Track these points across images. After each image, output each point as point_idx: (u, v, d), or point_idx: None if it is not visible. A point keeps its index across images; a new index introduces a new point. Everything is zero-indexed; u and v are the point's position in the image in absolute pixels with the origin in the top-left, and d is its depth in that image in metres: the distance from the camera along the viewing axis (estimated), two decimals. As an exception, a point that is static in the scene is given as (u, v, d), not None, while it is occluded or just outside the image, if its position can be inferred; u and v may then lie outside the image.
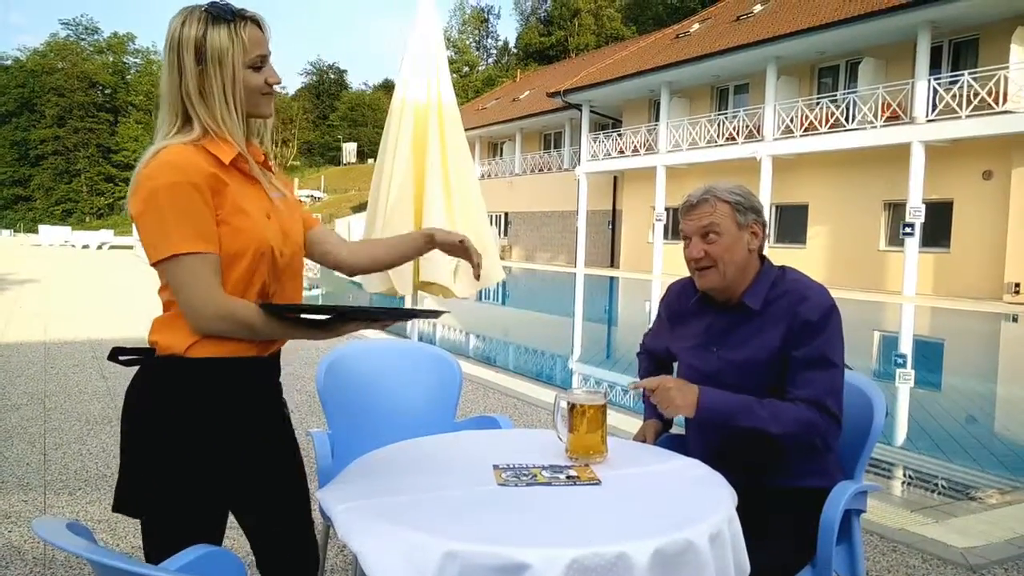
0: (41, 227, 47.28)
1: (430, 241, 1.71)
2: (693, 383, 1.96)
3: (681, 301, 2.14)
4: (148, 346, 1.49)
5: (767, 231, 1.99)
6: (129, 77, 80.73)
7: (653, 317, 2.39)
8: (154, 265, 1.42)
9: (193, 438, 1.44)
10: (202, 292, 1.39)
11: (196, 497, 1.46)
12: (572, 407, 1.72)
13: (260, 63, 1.50)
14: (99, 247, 40.47)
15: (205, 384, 1.45)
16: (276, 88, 1.58)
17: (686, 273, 2.08)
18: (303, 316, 1.47)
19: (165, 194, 1.37)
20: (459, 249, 1.68)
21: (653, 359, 2.35)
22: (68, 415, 5.02)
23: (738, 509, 1.48)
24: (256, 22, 1.50)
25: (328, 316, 1.47)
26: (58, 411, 5.12)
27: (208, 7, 1.46)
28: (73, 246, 41.35)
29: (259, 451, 1.55)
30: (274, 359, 1.59)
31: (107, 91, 78.84)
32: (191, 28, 1.43)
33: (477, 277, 1.67)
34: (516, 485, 1.53)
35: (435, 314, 1.71)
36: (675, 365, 2.23)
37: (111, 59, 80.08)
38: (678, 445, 2.02)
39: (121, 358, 1.47)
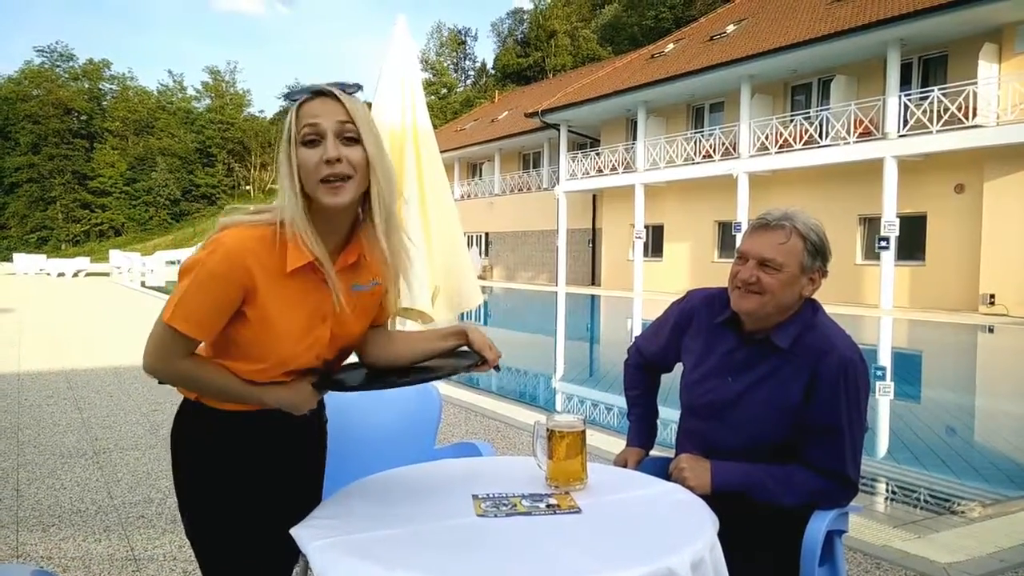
0: (15, 255, 46.66)
1: (463, 338, 1.63)
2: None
3: (705, 313, 2.02)
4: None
5: (821, 279, 1.88)
6: (105, 103, 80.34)
7: (636, 335, 2.35)
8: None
9: (216, 475, 1.53)
10: (162, 350, 1.42)
11: (226, 532, 1.53)
12: (551, 433, 1.70)
13: (313, 136, 1.38)
14: (75, 275, 39.97)
15: (218, 430, 1.53)
16: (343, 170, 1.38)
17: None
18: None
19: (203, 276, 1.37)
20: (486, 346, 1.59)
21: (641, 367, 2.26)
22: (42, 449, 4.92)
23: (720, 535, 1.46)
24: (328, 94, 1.41)
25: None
26: (31, 444, 5.02)
27: (290, 91, 1.45)
28: (48, 274, 40.81)
29: (277, 500, 1.58)
30: (284, 414, 1.54)
31: (83, 117, 78.35)
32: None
33: (496, 368, 1.60)
34: (496, 516, 1.50)
35: (473, 365, 1.58)
36: (666, 375, 2.18)
37: (86, 85, 79.66)
38: (660, 469, 2.00)
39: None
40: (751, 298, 1.83)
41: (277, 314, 1.43)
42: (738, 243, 1.94)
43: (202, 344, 1.46)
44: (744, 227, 21.05)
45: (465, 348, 1.64)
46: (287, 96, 1.44)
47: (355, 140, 1.40)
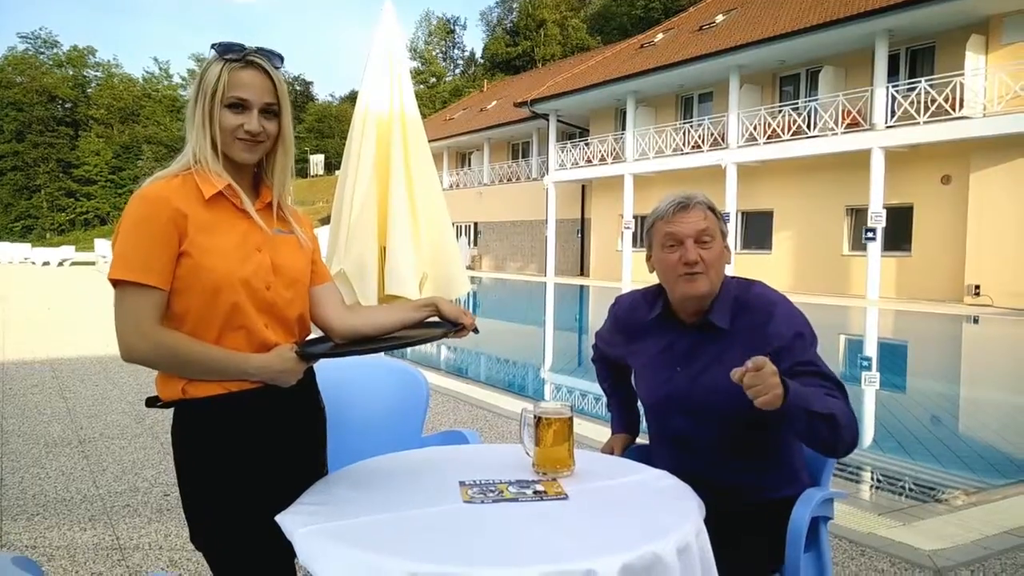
0: (0, 244, 46.24)
1: (434, 309, 1.69)
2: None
3: (634, 316, 2.04)
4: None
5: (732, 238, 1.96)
6: (90, 91, 79.27)
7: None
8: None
9: (214, 474, 1.52)
10: (128, 317, 1.46)
11: (233, 530, 1.53)
12: (538, 420, 1.70)
13: (238, 104, 1.52)
14: (60, 264, 39.59)
15: (210, 422, 1.52)
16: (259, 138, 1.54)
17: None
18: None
19: (128, 225, 1.46)
20: (461, 313, 1.68)
21: (604, 360, 2.27)
22: (26, 438, 4.89)
23: (706, 521, 1.47)
24: (259, 67, 1.53)
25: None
26: (15, 433, 4.99)
27: (217, 44, 1.53)
28: (33, 263, 40.44)
29: (283, 477, 1.58)
30: (275, 389, 1.56)
31: (67, 105, 77.32)
32: (205, 63, 1.54)
33: (475, 331, 1.66)
34: (482, 502, 1.50)
35: (445, 332, 1.64)
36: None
37: (71, 73, 78.56)
38: (646, 456, 2.00)
39: (158, 404, 1.56)
40: (700, 280, 1.83)
41: (210, 238, 1.50)
42: (656, 236, 1.91)
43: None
44: (731, 217, 21.14)
45: (436, 319, 1.69)
46: (217, 50, 1.53)
47: (275, 115, 1.56)
